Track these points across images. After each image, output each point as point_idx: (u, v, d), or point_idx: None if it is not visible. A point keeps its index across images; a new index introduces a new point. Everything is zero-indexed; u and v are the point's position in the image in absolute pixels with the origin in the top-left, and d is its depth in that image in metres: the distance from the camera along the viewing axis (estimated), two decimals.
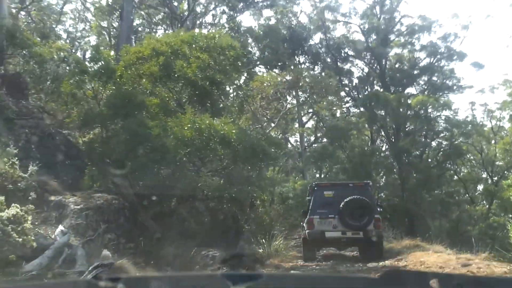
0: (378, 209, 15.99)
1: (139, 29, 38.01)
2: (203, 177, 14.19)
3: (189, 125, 13.92)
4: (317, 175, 40.55)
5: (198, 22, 37.81)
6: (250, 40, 37.42)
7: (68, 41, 35.90)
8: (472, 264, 10.84)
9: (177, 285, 2.73)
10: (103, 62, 16.74)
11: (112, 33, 37.09)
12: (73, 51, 33.40)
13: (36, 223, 12.06)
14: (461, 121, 36.74)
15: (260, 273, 3.80)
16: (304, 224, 15.67)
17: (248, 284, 2.39)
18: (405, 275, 3.00)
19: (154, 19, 39.37)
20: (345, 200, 14.73)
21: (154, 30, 38.70)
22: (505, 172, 35.12)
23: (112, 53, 21.67)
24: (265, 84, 27.37)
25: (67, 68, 19.42)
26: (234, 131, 14.39)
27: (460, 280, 2.73)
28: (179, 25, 32.49)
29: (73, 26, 40.16)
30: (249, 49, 36.37)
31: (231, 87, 20.48)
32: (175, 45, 17.01)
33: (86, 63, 17.71)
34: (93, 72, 16.66)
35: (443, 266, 11.27)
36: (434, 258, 12.79)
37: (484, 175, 40.79)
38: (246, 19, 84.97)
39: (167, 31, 35.86)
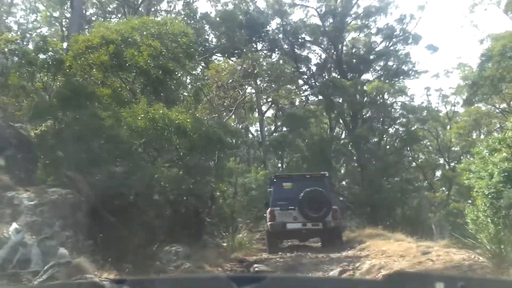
0: (340, 199, 16.35)
1: (93, 18, 36.86)
2: (160, 168, 13.74)
3: (142, 115, 13.49)
4: (279, 165, 40.48)
5: (153, 9, 36.91)
6: (207, 27, 36.89)
7: (19, 33, 34.66)
8: (432, 252, 10.91)
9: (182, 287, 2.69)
10: (51, 53, 16.11)
11: (64, 23, 35.97)
12: (24, 43, 32.28)
13: None
14: (417, 107, 37.29)
15: (263, 276, 3.61)
16: (266, 215, 16.16)
17: (252, 286, 2.39)
18: (409, 277, 2.99)
19: (108, 8, 38.31)
20: (303, 191, 15.33)
21: (108, 19, 37.71)
22: (461, 157, 35.58)
23: (65, 44, 20.85)
24: (221, 73, 26.93)
25: (15, 60, 18.64)
26: (189, 120, 14.02)
27: (465, 282, 2.69)
28: (133, 13, 31.64)
29: (24, 17, 38.84)
30: (206, 36, 35.87)
31: (186, 76, 19.98)
32: (125, 32, 16.46)
33: (33, 54, 16.91)
34: (40, 63, 15.99)
35: (403, 255, 11.42)
36: (395, 246, 12.98)
37: (442, 161, 41.42)
38: (203, 6, 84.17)
39: (121, 20, 35.07)
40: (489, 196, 12.11)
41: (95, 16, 37.99)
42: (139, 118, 13.43)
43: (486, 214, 12.10)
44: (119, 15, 37.17)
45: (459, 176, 23.09)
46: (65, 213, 12.38)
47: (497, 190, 11.97)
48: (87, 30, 29.56)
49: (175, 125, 13.52)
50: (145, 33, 16.76)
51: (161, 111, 13.56)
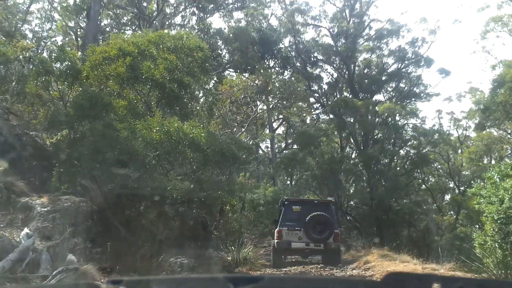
0: (348, 218, 17.00)
1: (107, 29, 37.26)
2: (172, 181, 13.86)
3: (157, 128, 13.67)
4: (288, 182, 40.56)
5: (167, 23, 37.30)
6: (220, 43, 37.24)
7: (34, 41, 35.11)
8: (438, 274, 10.87)
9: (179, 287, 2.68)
10: (68, 62, 16.38)
11: (79, 33, 36.40)
12: (39, 51, 32.69)
13: (1, 225, 11.68)
14: (428, 130, 37.12)
15: (261, 276, 3.60)
16: (274, 233, 17.25)
17: (249, 287, 2.37)
18: (407, 278, 2.91)
19: (123, 20, 38.76)
20: (310, 215, 16.67)
21: (122, 31, 38.04)
22: (471, 181, 35.43)
23: (80, 53, 21.17)
24: (234, 88, 27.16)
25: (33, 68, 18.92)
26: (203, 135, 14.21)
27: (463, 282, 2.68)
28: (147, 26, 32.01)
29: (40, 25, 39.31)
30: (219, 51, 36.17)
31: (200, 90, 20.20)
32: (142, 45, 16.75)
33: (52, 63, 17.18)
34: (58, 72, 16.27)
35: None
36: (401, 267, 13.04)
37: (451, 185, 41.24)
38: (216, 21, 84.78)
39: (135, 32, 35.44)
40: (498, 221, 12.14)
41: (109, 27, 38.46)
42: (154, 130, 13.61)
43: (494, 239, 12.12)
44: (134, 27, 37.62)
45: (468, 200, 23.08)
46: (76, 221, 12.62)
47: (506, 215, 12.00)
48: (101, 40, 29.93)
49: (189, 139, 13.69)
50: (161, 46, 17.01)
51: (176, 125, 13.74)
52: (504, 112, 28.66)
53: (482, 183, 15.54)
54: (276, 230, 17.13)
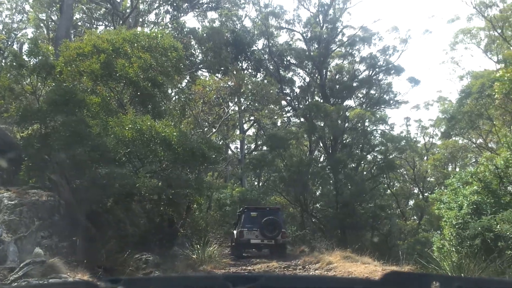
0: (313, 220, 18.67)
1: (79, 23, 37.03)
2: (142, 178, 14.02)
3: (130, 126, 13.83)
4: (255, 183, 40.76)
5: (140, 20, 37.21)
6: (193, 42, 37.28)
7: (4, 32, 34.74)
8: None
9: (177, 287, 2.73)
10: (42, 57, 16.36)
11: (50, 26, 36.05)
12: (9, 43, 32.36)
13: None
14: (396, 136, 37.72)
15: (260, 275, 3.71)
16: (236, 232, 21.44)
17: (248, 286, 2.42)
18: (406, 277, 3.04)
19: (95, 14, 38.51)
20: (264, 219, 20.92)
21: (94, 26, 37.85)
22: (435, 188, 36.12)
23: (51, 47, 21.10)
24: (207, 89, 27.32)
25: (3, 61, 18.81)
26: (175, 134, 14.38)
27: (461, 282, 2.78)
28: (120, 22, 31.93)
29: (10, 17, 38.79)
30: (192, 51, 36.25)
31: (173, 90, 20.34)
32: (116, 43, 16.82)
33: (24, 57, 17.13)
34: (31, 67, 16.25)
35: (368, 277, 11.68)
36: (362, 268, 13.30)
37: (416, 191, 41.99)
38: (190, 20, 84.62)
39: (108, 28, 35.25)
40: (456, 226, 12.65)
41: (81, 22, 38.18)
42: (127, 128, 13.76)
43: (452, 243, 12.62)
44: (106, 23, 37.45)
45: (431, 206, 23.62)
46: (43, 215, 12.67)
47: (464, 221, 12.52)
48: (73, 35, 29.74)
49: (161, 138, 13.88)
50: (136, 45, 17.10)
51: (148, 123, 13.91)
52: (469, 122, 29.46)
53: (443, 189, 16.08)
54: (239, 230, 21.15)
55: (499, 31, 32.30)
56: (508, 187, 13.17)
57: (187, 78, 29.04)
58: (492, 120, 28.07)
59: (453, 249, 12.38)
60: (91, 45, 16.55)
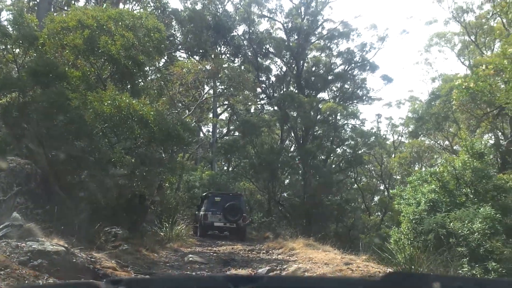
0: (279, 208, 20.14)
1: None
2: (117, 153, 14.41)
3: (109, 102, 14.17)
4: (225, 167, 41.26)
5: None
6: (174, 23, 37.40)
7: None
8: (354, 263, 11.94)
9: (178, 287, 2.71)
10: (26, 27, 16.52)
11: None
12: None
13: None
14: (366, 132, 38.55)
15: (261, 275, 3.90)
16: (201, 215, 23.31)
17: (249, 286, 2.42)
18: (407, 277, 3.05)
19: None
20: (227, 204, 22.86)
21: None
22: (400, 185, 36.98)
23: (35, 19, 21.14)
24: (185, 71, 27.64)
25: None
26: (152, 113, 14.78)
27: (462, 282, 2.78)
28: None
29: None
30: (172, 31, 36.36)
31: (152, 70, 20.66)
32: (101, 20, 17.02)
33: (8, 26, 17.21)
34: (15, 36, 16.41)
35: (328, 263, 12.38)
36: (322, 255, 13.96)
37: (382, 187, 42.92)
38: (173, 2, 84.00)
39: (89, 2, 35.08)
40: (413, 221, 13.42)
41: None
42: (106, 104, 14.11)
43: (407, 237, 13.38)
44: None
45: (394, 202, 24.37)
46: (20, 181, 13.01)
47: (421, 217, 13.29)
48: (52, 5, 29.56)
49: (138, 116, 14.27)
50: (120, 23, 17.35)
51: (127, 100, 14.28)
52: (436, 124, 30.39)
53: (404, 186, 16.87)
54: (203, 214, 23.12)
55: (473, 37, 33.25)
56: (464, 189, 13.97)
57: (165, 58, 29.18)
58: (458, 123, 29.04)
59: (408, 243, 13.14)
60: (76, 20, 16.74)
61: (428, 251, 11.31)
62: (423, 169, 35.43)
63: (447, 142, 35.48)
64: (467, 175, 13.62)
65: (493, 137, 25.35)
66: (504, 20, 20.76)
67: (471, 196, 13.60)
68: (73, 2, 36.76)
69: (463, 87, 12.32)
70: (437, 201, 13.51)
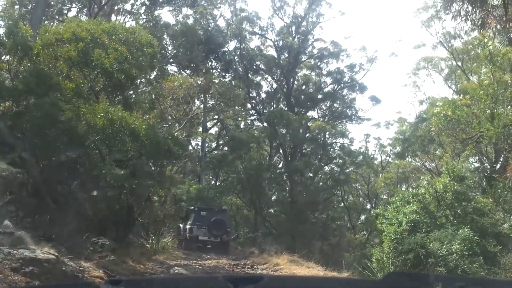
0: (266, 224, 21.94)
1: (52, 3, 36.88)
2: (108, 165, 14.67)
3: (102, 114, 14.43)
4: (213, 181, 41.43)
5: (116, 8, 37.32)
6: (165, 36, 37.77)
7: None
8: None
9: (178, 287, 2.73)
10: (20, 37, 16.76)
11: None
12: None
13: None
14: (354, 151, 38.89)
15: (261, 275, 3.95)
16: (187, 228, 24.27)
17: (250, 286, 2.42)
18: (409, 277, 3.07)
19: None
20: (212, 218, 23.82)
21: (68, 7, 37.85)
22: (385, 205, 37.17)
23: (30, 30, 21.37)
24: (176, 84, 28.02)
25: None
26: (144, 127, 15.07)
27: (463, 282, 2.79)
28: (95, 7, 32.20)
29: None
30: (164, 44, 36.63)
31: (145, 84, 20.98)
32: (95, 33, 17.32)
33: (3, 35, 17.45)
34: (10, 46, 16.65)
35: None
36: (305, 271, 14.37)
37: (368, 206, 43.13)
38: (165, 14, 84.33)
39: (81, 12, 35.38)
40: (395, 241, 13.76)
41: (54, 1, 37.93)
42: (99, 116, 14.38)
43: (389, 256, 13.72)
44: (80, 6, 37.32)
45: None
46: (12, 190, 13.24)
47: (402, 236, 13.64)
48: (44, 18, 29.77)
49: (130, 129, 14.55)
50: (114, 37, 17.67)
51: (119, 114, 14.57)
52: (422, 146, 30.91)
53: (388, 206, 17.24)
54: (189, 227, 24.06)
55: (460, 63, 33.91)
56: (444, 211, 14.38)
57: (156, 71, 29.50)
58: (443, 146, 29.54)
59: (390, 261, 13.48)
60: (70, 32, 17.03)
61: (406, 269, 11.65)
62: (409, 189, 35.89)
63: (433, 164, 35.93)
64: (448, 198, 14.03)
65: (477, 160, 25.86)
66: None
67: (451, 218, 14.01)
68: (65, 11, 37.18)
69: (442, 114, 12.76)
70: (418, 222, 13.89)
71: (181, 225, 25.76)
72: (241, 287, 2.41)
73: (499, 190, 12.22)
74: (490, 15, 13.51)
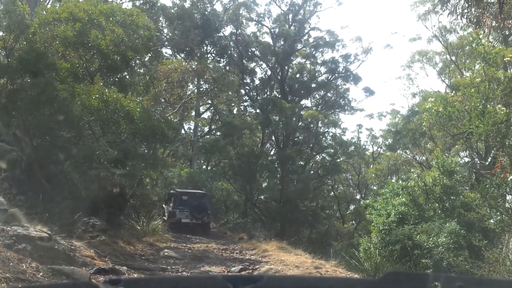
0: (255, 211, 22.64)
1: None
2: (102, 146, 14.75)
3: (97, 95, 14.51)
4: (204, 166, 41.54)
5: None
6: (161, 18, 37.67)
7: None
8: (323, 268, 12.43)
9: (177, 287, 2.71)
10: (18, 15, 16.72)
11: None
12: None
13: None
14: (346, 141, 39.04)
15: (261, 275, 3.91)
16: (170, 211, 25.08)
17: (249, 286, 2.41)
18: (408, 277, 3.09)
19: None
20: (193, 202, 24.96)
21: None
22: (375, 196, 37.41)
23: (27, 8, 21.30)
24: (170, 67, 28.05)
25: None
26: (138, 110, 15.16)
27: (463, 282, 2.79)
28: None
29: None
30: (160, 27, 36.51)
31: (140, 67, 20.98)
32: (92, 14, 17.34)
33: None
34: (6, 23, 16.60)
35: (298, 266, 12.87)
36: (293, 258, 14.49)
37: (358, 196, 43.38)
38: None
39: None
40: (383, 232, 13.99)
41: None
42: (94, 97, 14.45)
43: (376, 246, 13.94)
44: None
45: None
46: (5, 167, 13.31)
47: (390, 228, 13.86)
48: None
49: (125, 111, 14.64)
50: (111, 19, 17.69)
51: (114, 95, 14.65)
52: (413, 139, 31.13)
53: (377, 198, 17.46)
54: (171, 211, 24.99)
55: (454, 58, 34.08)
56: (433, 204, 14.61)
57: (151, 53, 29.44)
58: (434, 140, 29.77)
59: (377, 252, 13.70)
60: (67, 12, 17.03)
61: (393, 260, 11.89)
62: (399, 181, 36.17)
63: (424, 157, 36.14)
64: (437, 191, 14.24)
65: (468, 155, 26.10)
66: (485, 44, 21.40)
67: (439, 211, 14.23)
68: None
69: (433, 110, 12.92)
70: (406, 214, 14.13)
71: (164, 206, 26.63)
72: (241, 287, 2.39)
73: (487, 186, 12.41)
74: (486, 12, 13.64)
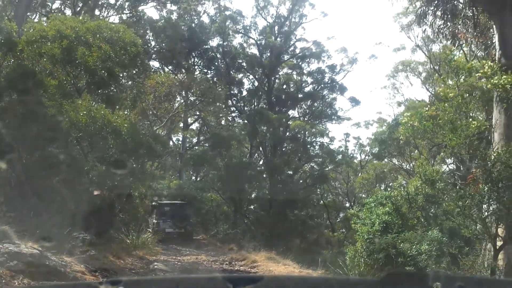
0: (245, 221, 22.69)
1: None
2: (91, 162, 14.95)
3: (85, 112, 14.73)
4: (193, 177, 41.63)
5: (100, 2, 37.20)
6: (149, 31, 37.89)
7: None
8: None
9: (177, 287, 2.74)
10: (5, 33, 16.92)
11: None
12: None
13: None
14: (334, 150, 39.34)
15: (261, 276, 4.02)
16: (154, 222, 25.76)
17: (249, 286, 2.41)
18: (408, 277, 3.13)
19: None
20: (175, 212, 26.17)
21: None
22: (361, 206, 37.57)
23: (15, 26, 21.50)
24: (157, 81, 28.33)
25: None
26: (126, 125, 15.39)
27: (463, 282, 2.82)
28: (79, 1, 32.17)
29: None
30: (147, 39, 36.67)
31: (127, 82, 21.20)
32: (80, 31, 17.58)
33: None
34: None
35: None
36: (281, 268, 14.77)
37: (347, 205, 43.57)
38: (149, 10, 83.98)
39: (65, 3, 35.19)
40: (367, 240, 14.28)
41: None
42: (81, 114, 14.67)
43: (362, 255, 14.23)
44: None
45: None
46: None
47: (374, 236, 14.17)
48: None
49: (112, 127, 14.87)
50: (98, 35, 17.93)
51: (102, 112, 14.88)
52: (398, 148, 31.51)
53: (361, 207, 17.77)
54: (155, 222, 25.80)
55: (437, 67, 34.54)
56: (416, 212, 14.90)
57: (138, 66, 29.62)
58: (418, 149, 30.18)
59: (362, 260, 14.00)
60: (55, 30, 17.27)
61: (377, 268, 12.17)
62: (387, 189, 36.45)
63: (410, 165, 36.49)
64: (419, 200, 14.53)
65: (453, 163, 26.41)
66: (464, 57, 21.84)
67: (422, 220, 14.52)
68: (49, 3, 36.97)
69: (409, 124, 13.29)
70: (390, 223, 14.43)
71: (148, 218, 26.64)
72: (240, 287, 2.41)
73: (461, 196, 12.70)
74: (462, 28, 14.07)
